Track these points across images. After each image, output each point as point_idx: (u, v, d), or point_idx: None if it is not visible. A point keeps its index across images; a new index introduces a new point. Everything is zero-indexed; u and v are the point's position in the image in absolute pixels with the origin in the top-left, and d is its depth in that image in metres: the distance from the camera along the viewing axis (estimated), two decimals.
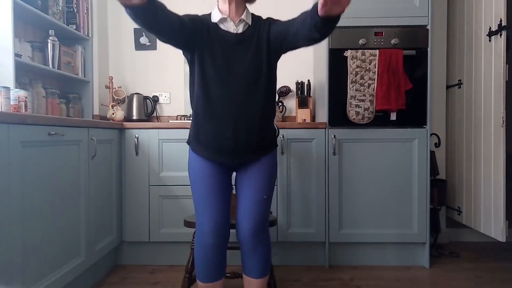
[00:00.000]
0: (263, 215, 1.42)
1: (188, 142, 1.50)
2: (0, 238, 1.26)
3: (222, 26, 1.40)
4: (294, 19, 1.32)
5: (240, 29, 1.40)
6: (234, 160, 1.41)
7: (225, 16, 1.39)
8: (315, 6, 1.14)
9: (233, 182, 1.51)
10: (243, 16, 1.40)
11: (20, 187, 1.37)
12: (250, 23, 1.42)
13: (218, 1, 1.43)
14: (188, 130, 2.22)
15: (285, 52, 1.43)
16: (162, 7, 1.22)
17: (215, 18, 1.40)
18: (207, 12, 1.46)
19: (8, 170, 1.30)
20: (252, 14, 1.46)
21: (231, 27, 1.40)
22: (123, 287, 1.98)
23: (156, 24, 1.21)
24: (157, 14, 1.18)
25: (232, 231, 1.55)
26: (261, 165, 1.43)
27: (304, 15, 1.24)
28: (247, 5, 1.45)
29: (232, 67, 1.36)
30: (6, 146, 1.29)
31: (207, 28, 1.39)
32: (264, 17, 1.48)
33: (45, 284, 1.51)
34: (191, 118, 2.55)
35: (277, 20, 1.45)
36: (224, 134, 1.36)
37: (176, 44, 1.36)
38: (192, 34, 1.35)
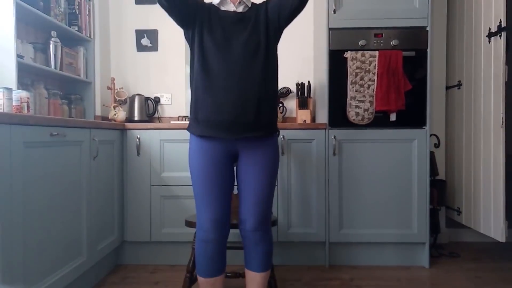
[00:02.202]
0: (266, 210, 1.44)
1: (188, 128, 1.48)
2: (2, 238, 1.27)
3: (222, 8, 1.47)
4: None
5: (239, 10, 1.47)
6: (233, 135, 1.38)
7: None
8: None
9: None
10: None
11: (22, 188, 1.38)
12: (249, 6, 1.49)
13: None
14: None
15: (284, 25, 1.49)
16: None
17: (215, 0, 1.47)
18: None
19: (10, 170, 1.31)
20: (252, 2, 1.52)
21: (231, 8, 1.47)
22: (125, 287, 1.99)
23: None
24: None
25: (233, 230, 1.56)
26: (262, 154, 1.43)
27: None
28: None
29: (231, 43, 1.40)
30: (9, 146, 1.31)
31: (208, 9, 1.45)
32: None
33: (47, 284, 1.52)
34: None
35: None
36: (222, 107, 1.35)
37: (177, 15, 1.39)
38: (194, 9, 1.41)
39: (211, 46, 1.38)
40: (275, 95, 1.48)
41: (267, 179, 1.43)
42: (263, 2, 1.51)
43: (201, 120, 1.40)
